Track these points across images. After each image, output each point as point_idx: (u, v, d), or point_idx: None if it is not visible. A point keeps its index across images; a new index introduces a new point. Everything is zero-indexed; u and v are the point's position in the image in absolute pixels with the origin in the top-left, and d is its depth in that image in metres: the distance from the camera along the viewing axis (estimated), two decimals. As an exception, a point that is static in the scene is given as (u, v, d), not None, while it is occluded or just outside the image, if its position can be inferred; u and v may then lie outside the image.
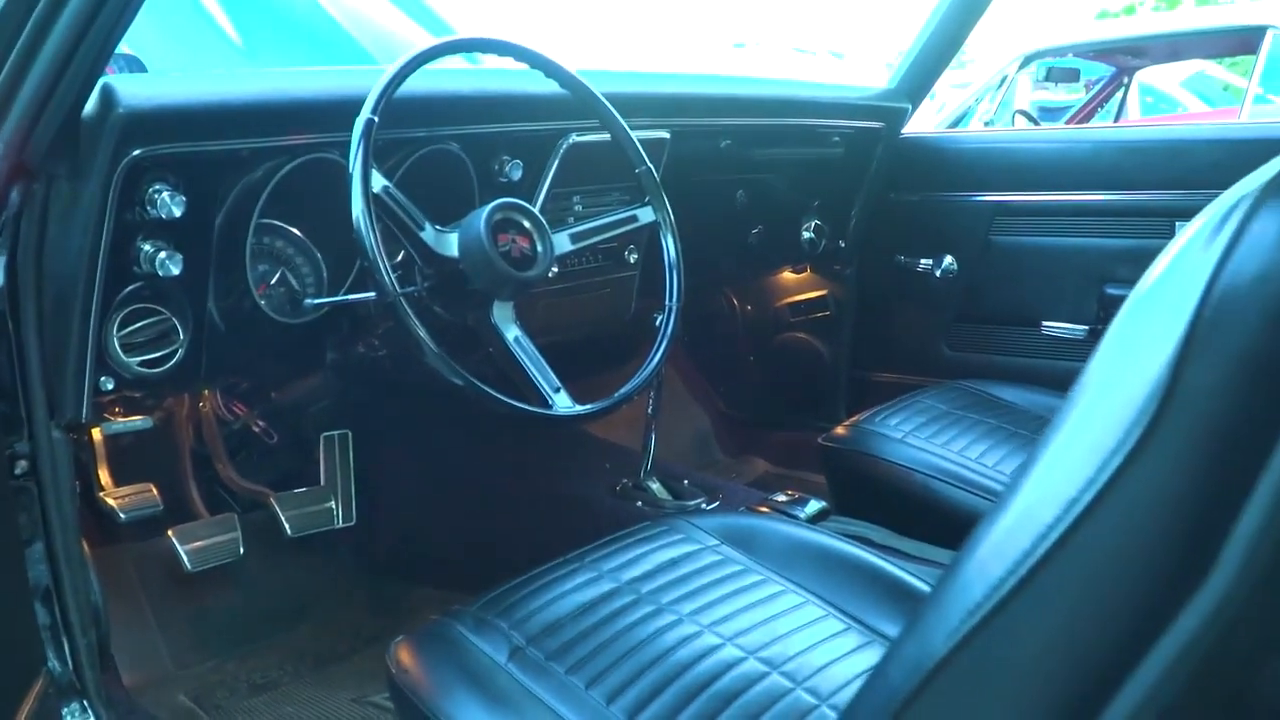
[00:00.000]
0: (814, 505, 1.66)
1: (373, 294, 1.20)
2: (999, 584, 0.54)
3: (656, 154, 1.71)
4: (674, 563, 1.24)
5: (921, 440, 1.70)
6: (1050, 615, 0.54)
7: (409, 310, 1.17)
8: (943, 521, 1.59)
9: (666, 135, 1.77)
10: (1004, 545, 0.56)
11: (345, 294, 1.45)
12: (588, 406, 1.29)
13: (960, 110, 4.72)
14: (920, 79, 2.25)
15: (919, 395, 1.89)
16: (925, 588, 1.18)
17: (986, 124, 4.51)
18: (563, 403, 1.27)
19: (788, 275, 2.47)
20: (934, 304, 2.29)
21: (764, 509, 1.65)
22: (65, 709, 1.31)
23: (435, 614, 1.82)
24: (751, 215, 2.12)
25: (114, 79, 1.14)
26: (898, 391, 1.95)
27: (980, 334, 2.26)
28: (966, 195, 2.23)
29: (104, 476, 1.60)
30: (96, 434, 1.56)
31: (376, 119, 1.21)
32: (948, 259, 2.23)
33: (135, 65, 1.54)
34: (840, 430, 1.81)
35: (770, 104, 2.02)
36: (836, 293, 2.44)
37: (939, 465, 1.64)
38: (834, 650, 1.09)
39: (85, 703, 1.32)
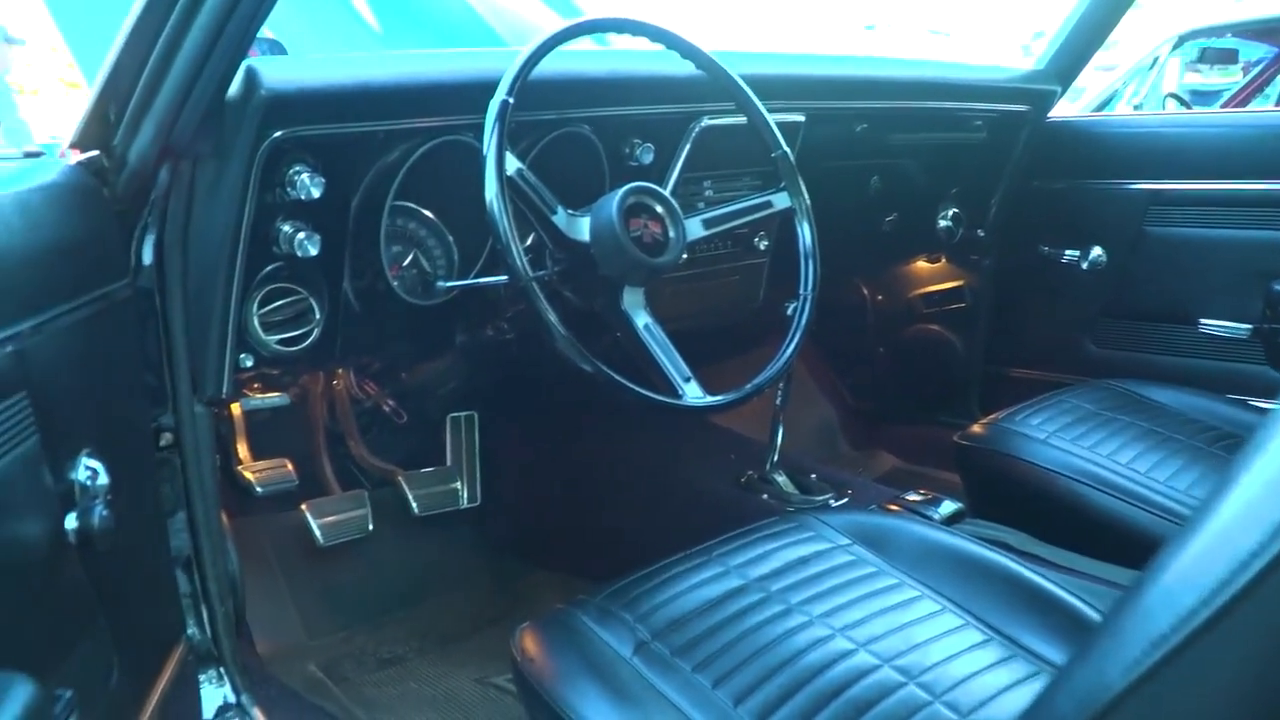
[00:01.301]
0: (949, 506, 1.58)
1: (504, 277, 1.19)
2: (1189, 616, 0.49)
3: (791, 138, 1.66)
4: (803, 561, 1.20)
5: (1066, 442, 1.61)
6: (1246, 654, 0.49)
7: (540, 294, 1.16)
8: (1089, 529, 1.50)
9: (802, 118, 1.72)
10: (1195, 573, 0.50)
11: (475, 277, 1.45)
12: (719, 397, 1.26)
13: (1105, 94, 4.48)
14: (1071, 60, 2.13)
15: (1063, 394, 1.79)
16: (1071, 599, 1.11)
17: (1136, 108, 4.28)
18: (693, 393, 1.24)
19: (922, 265, 2.39)
20: (1079, 297, 2.18)
21: (895, 507, 1.59)
22: (202, 675, 1.35)
23: (555, 598, 1.83)
24: (886, 202, 2.05)
25: (257, 61, 1.16)
26: (1036, 389, 1.85)
27: (1130, 331, 2.14)
28: (1118, 183, 2.11)
29: (242, 450, 1.65)
30: (236, 409, 1.60)
31: (512, 100, 1.19)
32: (1096, 250, 2.12)
33: (276, 49, 1.57)
34: (978, 428, 1.72)
35: (910, 86, 1.94)
36: (973, 284, 2.34)
37: (1085, 469, 1.55)
38: (974, 663, 1.04)
39: (222, 670, 1.37)
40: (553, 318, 1.15)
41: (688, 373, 1.25)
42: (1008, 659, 1.05)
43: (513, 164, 1.19)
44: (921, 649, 1.05)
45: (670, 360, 1.26)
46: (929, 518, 1.54)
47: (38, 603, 0.86)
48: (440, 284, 1.43)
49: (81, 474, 0.95)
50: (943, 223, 2.18)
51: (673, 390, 1.24)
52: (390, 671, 1.67)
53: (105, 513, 0.90)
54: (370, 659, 1.70)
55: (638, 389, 1.19)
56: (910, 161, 2.05)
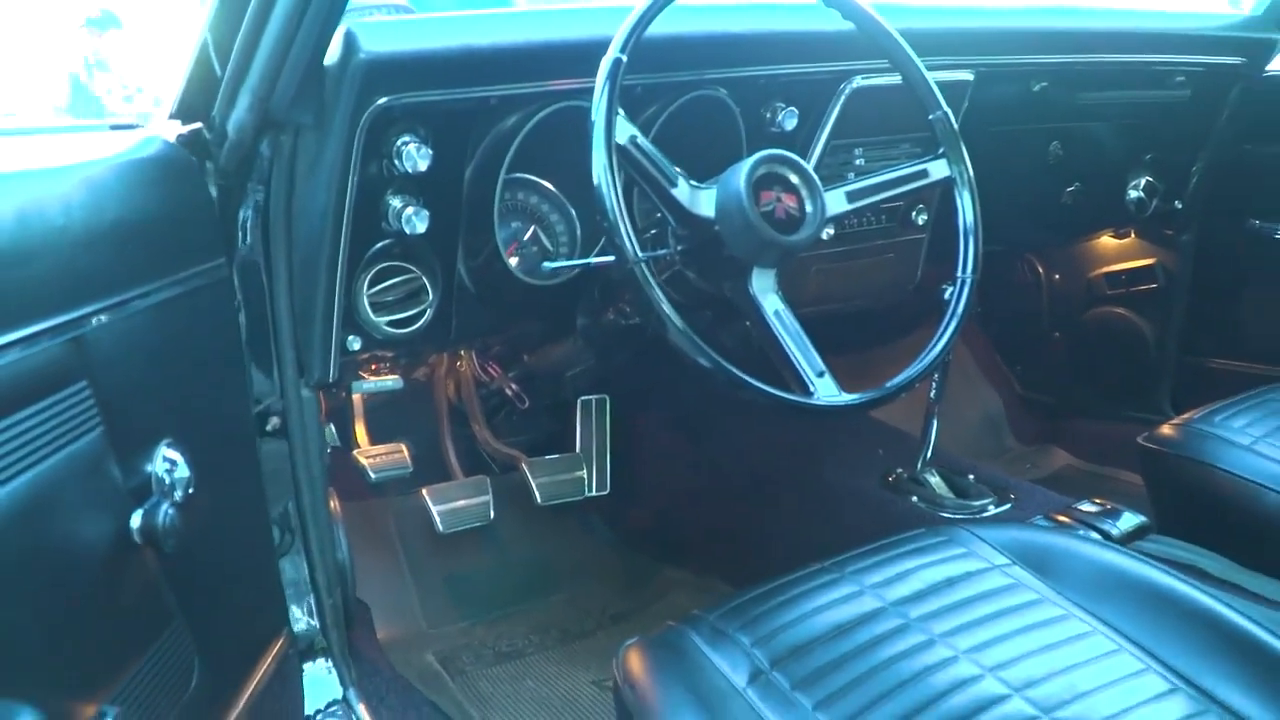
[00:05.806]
0: (1130, 519, 1.39)
1: (612, 258, 1.08)
2: None
3: (957, 99, 1.51)
4: (951, 583, 1.05)
5: (1277, 449, 1.38)
6: None
7: (651, 279, 1.04)
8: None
9: (970, 77, 1.55)
10: None
11: (598, 255, 1.35)
12: (854, 396, 1.11)
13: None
14: (1295, 3, 1.86)
15: (1273, 391, 1.55)
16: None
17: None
18: (826, 390, 1.10)
19: (1107, 240, 2.20)
20: (1295, 279, 1.93)
21: (1065, 519, 1.41)
22: (308, 667, 1.31)
23: (685, 598, 1.73)
24: (1067, 170, 1.88)
25: (357, 25, 1.08)
26: (1241, 385, 1.62)
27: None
28: (1349, 147, 1.84)
29: (360, 433, 1.61)
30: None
31: (625, 58, 1.07)
32: (1319, 225, 1.86)
33: (403, 10, 1.50)
34: (1167, 429, 1.51)
35: (1100, 38, 1.73)
36: (1168, 262, 2.13)
37: (1301, 483, 1.33)
38: (1156, 718, 0.87)
39: (329, 661, 1.32)
40: (665, 307, 1.03)
41: (821, 366, 1.11)
42: (1198, 715, 0.88)
43: (625, 130, 1.08)
44: (1090, 698, 0.89)
45: (802, 351, 1.11)
46: (1106, 533, 1.35)
47: (96, 610, 0.81)
48: (545, 265, 1.33)
49: (159, 466, 0.90)
50: (1133, 193, 2.00)
51: (803, 386, 1.10)
52: (508, 667, 1.61)
53: (171, 511, 0.84)
54: (488, 652, 1.65)
55: (761, 386, 1.06)
56: (1097, 124, 1.86)
